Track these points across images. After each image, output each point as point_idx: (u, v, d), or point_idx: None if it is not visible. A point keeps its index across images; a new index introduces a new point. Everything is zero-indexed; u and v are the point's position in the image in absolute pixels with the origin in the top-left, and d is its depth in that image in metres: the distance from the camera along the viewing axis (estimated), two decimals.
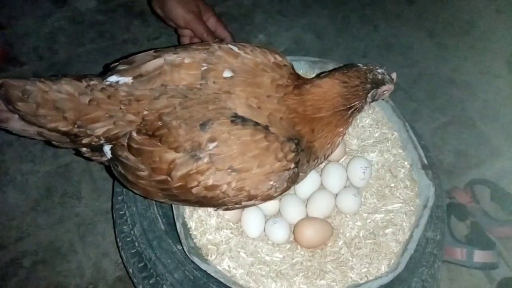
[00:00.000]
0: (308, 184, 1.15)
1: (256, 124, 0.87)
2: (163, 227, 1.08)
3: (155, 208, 1.11)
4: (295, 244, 1.08)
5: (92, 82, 0.90)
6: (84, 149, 0.97)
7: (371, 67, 0.94)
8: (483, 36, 2.15)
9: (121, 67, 0.94)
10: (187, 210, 1.05)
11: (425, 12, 2.21)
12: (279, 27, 2.04)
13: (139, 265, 1.03)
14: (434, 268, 1.09)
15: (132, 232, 1.07)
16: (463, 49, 2.09)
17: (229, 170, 0.86)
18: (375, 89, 0.95)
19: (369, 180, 1.18)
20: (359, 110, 0.96)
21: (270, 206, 1.13)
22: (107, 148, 0.93)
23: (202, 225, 1.04)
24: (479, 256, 1.38)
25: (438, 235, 1.14)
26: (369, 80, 0.93)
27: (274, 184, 0.90)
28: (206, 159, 0.85)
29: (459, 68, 2.01)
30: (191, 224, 1.04)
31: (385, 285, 1.00)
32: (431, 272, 1.08)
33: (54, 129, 0.90)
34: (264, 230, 1.08)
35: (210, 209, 1.05)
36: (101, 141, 0.92)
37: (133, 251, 1.05)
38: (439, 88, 1.93)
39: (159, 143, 0.86)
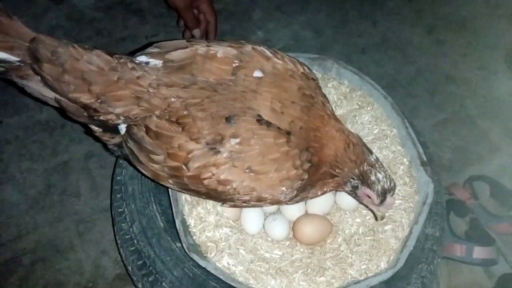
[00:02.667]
0: None
1: (279, 128, 0.87)
2: (162, 224, 1.08)
3: (154, 206, 1.11)
4: (294, 241, 1.08)
5: (122, 60, 0.88)
6: (96, 128, 0.95)
7: (375, 164, 0.93)
8: (481, 32, 2.15)
9: (152, 50, 0.93)
10: (186, 207, 1.05)
11: (424, 8, 2.21)
12: (278, 23, 2.03)
13: (138, 263, 1.03)
14: (433, 265, 1.09)
15: (131, 229, 1.07)
16: (461, 45, 2.09)
17: (247, 170, 0.85)
18: (358, 182, 0.94)
19: None
20: (336, 186, 0.98)
21: None
22: (122, 126, 0.91)
23: (201, 222, 1.04)
24: (479, 252, 1.38)
25: (438, 231, 1.14)
26: (362, 168, 0.92)
27: (285, 190, 0.90)
28: (225, 154, 0.85)
29: (458, 64, 2.01)
30: (191, 221, 1.04)
31: (385, 282, 1.00)
32: (431, 269, 1.08)
33: (75, 99, 0.87)
34: (264, 227, 1.08)
35: (210, 207, 1.05)
36: (119, 121, 0.89)
37: (132, 248, 1.05)
38: (438, 85, 1.93)
39: (181, 130, 0.85)
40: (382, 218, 1.00)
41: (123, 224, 1.08)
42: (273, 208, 1.13)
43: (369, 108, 1.24)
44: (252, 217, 1.06)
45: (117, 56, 0.89)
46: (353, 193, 0.98)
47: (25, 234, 1.36)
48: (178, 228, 0.98)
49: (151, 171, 0.92)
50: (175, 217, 0.99)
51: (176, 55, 0.91)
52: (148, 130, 0.87)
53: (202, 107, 0.86)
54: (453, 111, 1.86)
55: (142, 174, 0.97)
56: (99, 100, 0.87)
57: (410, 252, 1.01)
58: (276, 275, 0.99)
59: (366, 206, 1.01)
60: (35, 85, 0.89)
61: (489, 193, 1.56)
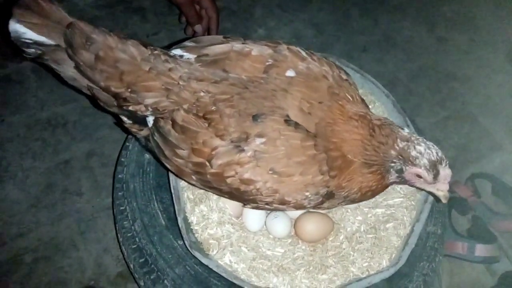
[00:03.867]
0: None
1: (307, 131, 0.85)
2: (163, 222, 1.08)
3: (156, 204, 1.11)
4: (296, 238, 1.08)
5: (156, 52, 0.88)
6: (126, 119, 0.96)
7: (411, 137, 0.85)
8: (483, 30, 2.14)
9: (188, 44, 0.93)
10: (189, 205, 1.05)
11: (426, 6, 2.21)
12: (279, 21, 2.03)
13: (140, 261, 1.03)
14: (435, 262, 1.09)
15: (132, 227, 1.07)
16: (463, 43, 2.08)
17: (270, 172, 0.84)
18: (400, 163, 0.86)
19: None
20: (383, 174, 0.89)
21: None
22: (150, 119, 0.91)
23: (203, 220, 1.04)
24: (481, 250, 1.38)
25: (439, 229, 1.14)
26: (397, 147, 0.84)
27: (309, 196, 0.87)
28: (249, 153, 0.83)
29: (460, 62, 2.01)
30: (193, 219, 1.04)
31: (387, 280, 1.00)
32: (432, 266, 1.08)
33: (107, 88, 0.88)
34: (265, 224, 1.08)
35: (213, 204, 1.05)
36: (147, 112, 0.89)
37: (134, 246, 1.05)
38: (440, 83, 1.93)
39: (207, 126, 0.85)
40: (446, 198, 0.90)
41: (125, 222, 1.09)
42: None
43: (370, 106, 1.23)
44: (254, 215, 1.06)
45: (152, 47, 0.89)
46: (402, 179, 0.89)
47: (27, 232, 1.36)
48: (180, 225, 0.98)
49: (176, 166, 0.91)
50: (177, 215, 0.99)
51: (211, 50, 0.90)
52: (174, 123, 0.86)
53: (230, 103, 0.85)
54: (455, 109, 1.85)
55: (167, 169, 0.96)
56: (129, 90, 0.87)
57: (411, 250, 1.01)
58: (278, 273, 0.99)
59: (424, 190, 0.92)
60: (69, 71, 0.90)
61: (491, 190, 1.56)
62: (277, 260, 1.02)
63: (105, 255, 1.36)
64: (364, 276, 1.00)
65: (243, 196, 0.89)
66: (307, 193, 0.87)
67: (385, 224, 1.09)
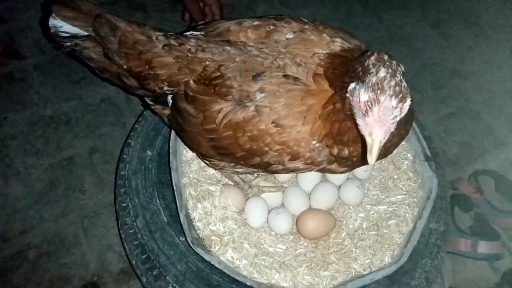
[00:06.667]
0: (311, 176, 1.15)
1: (306, 84, 0.87)
2: (165, 219, 1.08)
3: (158, 200, 1.11)
4: (298, 235, 1.08)
5: (169, 33, 0.98)
6: (150, 100, 1.05)
7: (391, 67, 0.72)
8: (487, 26, 2.13)
9: (199, 26, 1.04)
10: (191, 201, 1.06)
11: (429, 2, 2.19)
12: None
13: (142, 257, 1.04)
14: (437, 259, 1.09)
15: (134, 224, 1.07)
16: (467, 39, 2.07)
17: (273, 124, 0.86)
18: (355, 82, 0.74)
19: (372, 172, 1.18)
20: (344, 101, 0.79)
21: (274, 197, 1.13)
22: (169, 98, 0.99)
23: (205, 216, 1.04)
24: (484, 247, 1.37)
25: (442, 226, 1.14)
26: (365, 63, 0.73)
27: (317, 145, 0.87)
28: (252, 108, 0.87)
29: (463, 58, 1.99)
30: (195, 215, 1.04)
31: (389, 276, 1.00)
32: (435, 263, 1.08)
33: (129, 69, 0.97)
34: (267, 221, 1.08)
35: (216, 202, 1.05)
36: (164, 87, 0.97)
37: (136, 243, 1.05)
38: (443, 79, 1.92)
39: (212, 91, 0.90)
40: (374, 154, 0.71)
41: (127, 219, 1.09)
42: (277, 202, 1.13)
43: None
44: (256, 210, 1.07)
45: (166, 30, 0.99)
46: (349, 106, 0.76)
47: (30, 229, 1.37)
48: (182, 222, 0.98)
49: (193, 138, 0.97)
50: (179, 211, 1.00)
51: (216, 25, 1.00)
52: (186, 95, 0.94)
53: (232, 67, 0.90)
54: (458, 106, 1.84)
55: (187, 145, 1.06)
56: (147, 66, 0.95)
57: (414, 246, 1.01)
58: (280, 269, 1.00)
59: (363, 138, 0.74)
60: (100, 60, 1.01)
61: (494, 187, 1.55)
62: (279, 256, 1.02)
63: (108, 251, 1.36)
64: (366, 272, 1.00)
65: (256, 157, 0.92)
66: (313, 142, 0.87)
67: (387, 221, 1.09)
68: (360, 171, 1.16)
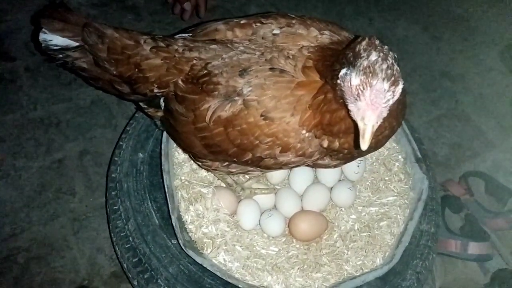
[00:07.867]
0: (303, 177, 1.16)
1: (293, 76, 0.87)
2: (157, 221, 1.08)
3: (149, 203, 1.10)
4: (290, 237, 1.08)
5: (157, 36, 0.98)
6: (143, 103, 1.06)
7: (382, 54, 0.70)
8: (476, 28, 2.16)
9: (188, 30, 1.04)
10: (183, 204, 1.05)
11: (420, 5, 2.21)
12: None
13: (134, 260, 1.03)
14: (428, 260, 1.10)
15: (126, 227, 1.07)
16: (457, 42, 2.09)
17: (262, 117, 0.86)
18: (346, 67, 0.73)
19: (363, 174, 1.19)
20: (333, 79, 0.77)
21: (266, 199, 1.13)
22: (161, 100, 1.00)
23: (197, 218, 1.04)
24: (474, 248, 1.38)
25: (433, 227, 1.15)
26: (357, 48, 0.72)
27: (307, 135, 0.87)
28: (240, 102, 0.87)
29: (453, 61, 2.02)
30: (187, 217, 1.04)
31: (380, 278, 1.00)
32: (426, 264, 1.09)
33: (120, 74, 0.98)
34: (260, 223, 1.08)
35: (208, 204, 1.05)
36: (155, 89, 0.97)
37: (127, 246, 1.05)
38: (433, 81, 1.94)
39: (200, 90, 0.91)
40: (366, 139, 0.70)
41: (118, 222, 1.08)
42: (269, 204, 1.13)
43: None
44: (248, 212, 1.07)
45: (154, 34, 1.00)
46: (341, 93, 0.75)
47: (19, 232, 1.35)
48: (174, 224, 0.98)
49: (186, 139, 0.98)
50: (171, 214, 0.99)
51: (204, 27, 1.00)
52: (176, 96, 0.94)
53: (219, 64, 0.91)
54: (448, 108, 1.86)
55: (180, 146, 1.06)
56: (136, 69, 0.96)
57: (405, 248, 1.02)
58: (272, 271, 0.99)
59: (355, 125, 0.73)
60: (92, 69, 1.01)
61: (484, 189, 1.56)
62: (271, 258, 1.02)
63: (99, 254, 1.35)
64: (358, 274, 1.01)
65: (247, 153, 0.92)
66: (303, 131, 0.87)
67: (378, 222, 1.09)
68: (351, 173, 1.17)
